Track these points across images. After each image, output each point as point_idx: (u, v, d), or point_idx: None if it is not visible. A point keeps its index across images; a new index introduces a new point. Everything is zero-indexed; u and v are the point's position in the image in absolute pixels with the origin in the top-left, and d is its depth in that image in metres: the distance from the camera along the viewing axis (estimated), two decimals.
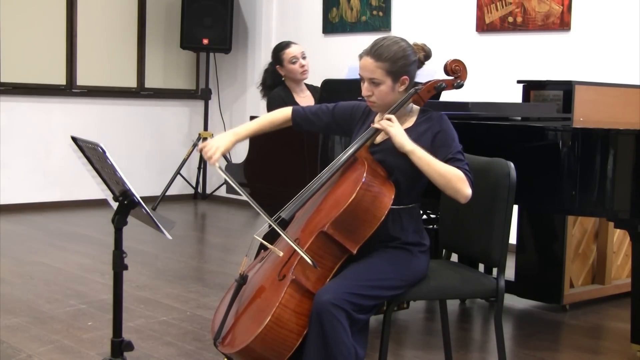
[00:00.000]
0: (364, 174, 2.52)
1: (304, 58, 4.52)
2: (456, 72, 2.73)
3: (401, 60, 2.62)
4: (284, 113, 2.88)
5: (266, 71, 4.66)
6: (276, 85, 4.57)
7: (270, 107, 4.52)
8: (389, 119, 2.60)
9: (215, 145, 2.71)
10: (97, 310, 4.11)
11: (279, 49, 4.55)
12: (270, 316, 2.43)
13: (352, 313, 2.47)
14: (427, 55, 2.72)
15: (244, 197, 2.70)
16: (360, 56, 2.67)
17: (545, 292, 4.40)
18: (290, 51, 4.50)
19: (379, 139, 2.68)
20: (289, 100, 4.50)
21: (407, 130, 2.65)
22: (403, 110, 2.69)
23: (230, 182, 2.69)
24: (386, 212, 2.53)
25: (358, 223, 2.52)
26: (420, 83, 2.71)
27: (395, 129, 2.57)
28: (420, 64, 2.71)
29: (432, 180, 2.55)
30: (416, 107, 2.73)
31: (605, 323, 4.28)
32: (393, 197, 2.55)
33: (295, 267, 2.50)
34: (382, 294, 2.59)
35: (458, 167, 2.54)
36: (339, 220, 2.49)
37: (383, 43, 2.64)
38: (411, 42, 2.71)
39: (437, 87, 2.70)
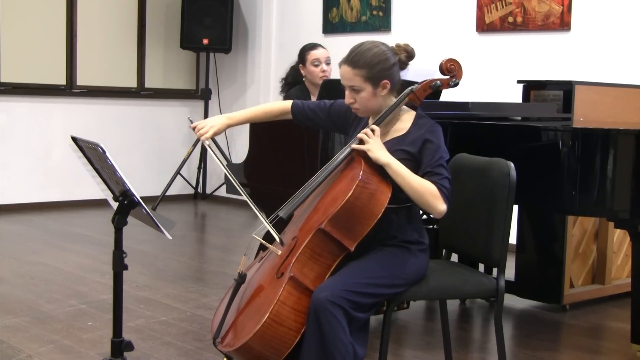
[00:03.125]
0: (361, 172, 2.54)
1: (327, 64, 4.59)
2: (451, 71, 2.75)
3: (378, 65, 2.61)
4: (283, 105, 2.91)
5: (292, 68, 4.76)
6: (296, 83, 4.63)
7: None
8: (368, 132, 2.59)
9: (210, 125, 2.80)
10: (97, 310, 4.11)
11: (305, 49, 4.63)
12: (268, 313, 2.44)
13: (350, 311, 2.48)
14: (410, 55, 2.70)
15: (244, 198, 2.71)
16: (340, 65, 2.68)
17: (545, 292, 4.40)
18: (315, 53, 4.57)
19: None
20: (305, 100, 4.54)
21: (400, 138, 2.66)
22: (398, 110, 2.70)
23: (219, 162, 2.74)
24: (383, 209, 2.54)
25: (355, 220, 2.53)
26: (417, 82, 2.72)
27: (371, 144, 2.57)
28: (403, 64, 2.70)
29: (406, 194, 2.56)
30: (411, 111, 2.73)
31: (605, 323, 4.28)
32: (390, 194, 2.56)
33: (293, 264, 2.51)
34: (380, 292, 2.59)
35: (435, 182, 2.55)
36: (336, 218, 2.51)
37: (359, 50, 2.64)
38: (395, 43, 2.71)
39: (432, 86, 2.72)
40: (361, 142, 2.63)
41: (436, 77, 2.74)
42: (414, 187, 2.54)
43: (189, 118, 2.91)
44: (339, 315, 2.45)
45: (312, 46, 4.64)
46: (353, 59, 2.62)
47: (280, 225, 2.66)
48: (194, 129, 2.80)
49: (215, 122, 2.81)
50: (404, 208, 2.67)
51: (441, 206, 2.54)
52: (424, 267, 2.72)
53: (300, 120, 2.91)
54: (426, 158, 2.59)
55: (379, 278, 2.58)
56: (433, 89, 2.72)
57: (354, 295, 2.49)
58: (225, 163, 2.66)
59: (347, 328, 2.47)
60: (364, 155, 2.63)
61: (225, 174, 2.73)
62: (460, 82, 2.80)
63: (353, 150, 2.64)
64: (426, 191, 2.53)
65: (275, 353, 2.47)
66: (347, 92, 2.67)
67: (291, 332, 2.47)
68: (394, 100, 2.70)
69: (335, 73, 4.71)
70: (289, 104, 2.91)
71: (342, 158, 2.66)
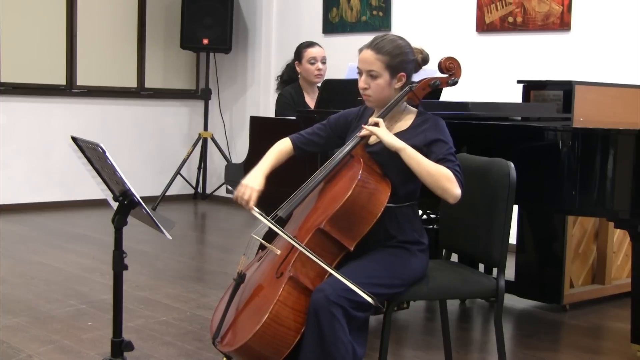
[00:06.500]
0: (360, 171, 2.54)
1: (323, 63, 4.61)
2: (450, 69, 2.76)
3: (400, 57, 2.66)
4: (286, 143, 2.88)
5: (288, 65, 4.79)
6: (291, 81, 4.64)
7: (279, 103, 4.60)
8: (375, 123, 2.63)
9: (250, 188, 2.70)
10: (97, 310, 4.11)
11: (302, 46, 4.67)
12: (268, 313, 2.44)
13: (349, 310, 2.48)
14: (425, 59, 2.77)
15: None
16: (361, 50, 2.71)
17: (545, 292, 4.40)
18: (312, 51, 4.61)
19: (372, 139, 2.69)
20: (298, 99, 4.56)
21: (404, 132, 2.68)
22: (398, 108, 2.72)
23: (268, 223, 2.60)
24: (382, 208, 2.56)
25: (355, 220, 2.54)
26: (415, 81, 2.74)
27: (382, 131, 2.60)
28: (417, 66, 2.75)
29: (421, 179, 2.58)
30: (413, 109, 2.74)
31: (605, 323, 4.28)
32: (389, 194, 2.57)
33: (292, 264, 2.51)
34: (380, 292, 2.59)
35: (448, 167, 2.56)
36: (335, 217, 2.51)
37: (384, 38, 2.70)
38: (413, 46, 2.75)
39: (431, 85, 2.72)
40: (364, 138, 2.65)
41: (435, 76, 2.75)
42: (430, 171, 2.55)
43: (227, 186, 2.85)
44: (338, 314, 2.45)
45: (309, 44, 4.67)
46: (377, 45, 2.67)
47: (279, 224, 2.66)
48: (236, 199, 2.70)
49: (254, 182, 2.71)
50: (403, 207, 2.68)
51: (456, 190, 2.55)
52: (423, 267, 2.73)
53: (302, 150, 2.88)
54: (436, 149, 2.60)
55: (378, 278, 2.58)
56: (432, 88, 2.73)
57: (354, 295, 2.48)
58: (273, 222, 2.62)
59: (346, 327, 2.48)
60: (362, 153, 2.64)
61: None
62: (461, 82, 2.80)
63: (359, 141, 2.65)
64: (442, 175, 2.54)
65: (275, 353, 2.47)
66: (362, 77, 2.69)
67: (291, 332, 2.47)
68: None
69: (330, 73, 4.74)
70: (289, 140, 2.89)
71: (341, 157, 2.66)
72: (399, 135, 2.66)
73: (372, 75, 2.66)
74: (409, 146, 2.57)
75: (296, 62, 4.64)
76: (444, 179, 2.54)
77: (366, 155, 2.66)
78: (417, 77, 2.78)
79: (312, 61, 4.57)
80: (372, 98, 2.71)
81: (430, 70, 2.89)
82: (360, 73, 2.71)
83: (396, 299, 2.68)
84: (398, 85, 2.69)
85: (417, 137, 2.64)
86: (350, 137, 2.76)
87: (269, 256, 2.71)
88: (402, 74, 2.67)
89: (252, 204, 2.65)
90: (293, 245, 2.54)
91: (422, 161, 2.56)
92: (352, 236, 2.55)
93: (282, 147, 2.88)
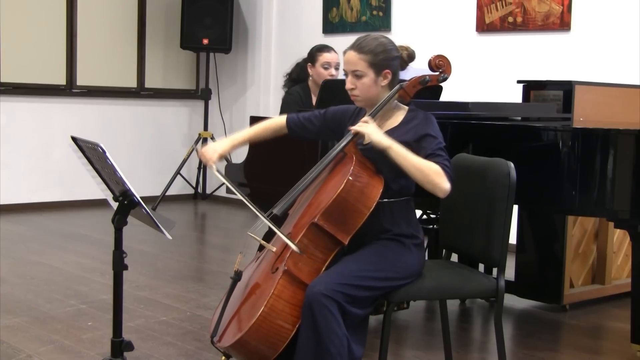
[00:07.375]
0: (352, 167, 2.58)
1: (336, 69, 4.57)
2: (440, 67, 2.79)
3: (382, 54, 2.69)
4: (279, 120, 2.95)
5: (297, 64, 4.72)
6: (300, 81, 4.61)
7: (286, 102, 4.57)
8: (365, 122, 2.65)
9: (213, 149, 2.82)
10: (97, 310, 4.11)
11: (318, 49, 4.61)
12: (263, 307, 2.46)
13: (344, 305, 2.50)
14: (411, 55, 2.80)
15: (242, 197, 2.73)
16: (344, 52, 2.76)
17: (545, 292, 4.40)
18: (327, 56, 4.57)
19: (366, 138, 2.70)
20: (306, 99, 4.54)
21: (395, 129, 2.71)
22: (389, 106, 2.74)
23: (226, 182, 2.76)
24: (374, 203, 2.58)
25: (347, 214, 2.57)
26: (406, 79, 2.76)
27: (370, 129, 2.62)
28: (404, 63, 2.79)
29: (410, 175, 2.59)
30: (404, 106, 2.77)
31: (605, 323, 4.28)
32: (382, 189, 2.60)
33: (287, 259, 2.53)
34: (374, 285, 2.60)
35: (437, 162, 2.57)
36: (328, 212, 2.54)
37: (365, 38, 2.74)
38: (398, 44, 2.79)
39: (422, 82, 2.76)
40: (356, 135, 2.68)
41: (425, 74, 2.77)
42: (418, 167, 2.56)
43: (195, 148, 2.98)
44: (333, 308, 2.47)
45: (326, 48, 4.62)
46: (359, 45, 2.71)
47: (274, 222, 2.68)
48: (199, 157, 2.86)
49: (219, 145, 2.85)
50: (397, 202, 2.71)
51: (445, 184, 2.56)
52: (418, 262, 2.73)
53: (295, 132, 2.93)
54: (427, 145, 2.62)
55: (372, 271, 2.60)
56: (423, 85, 2.77)
57: (348, 288, 2.51)
58: (235, 186, 2.73)
59: (341, 322, 2.49)
60: (355, 151, 2.67)
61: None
62: (461, 82, 2.81)
63: (352, 139, 2.68)
64: (430, 170, 2.55)
65: (270, 347, 2.48)
66: (348, 78, 2.73)
67: (287, 326, 2.48)
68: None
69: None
70: (284, 118, 2.94)
71: (334, 155, 2.70)
72: (390, 132, 2.69)
73: (357, 75, 2.70)
74: (398, 143, 2.59)
75: (309, 63, 4.59)
76: (432, 174, 2.55)
77: (359, 152, 2.70)
78: (404, 75, 2.80)
79: (326, 66, 4.54)
80: (360, 98, 2.74)
81: (417, 69, 2.91)
82: (346, 74, 2.75)
83: (394, 296, 2.68)
84: (384, 82, 2.71)
85: (408, 133, 2.67)
86: (345, 134, 2.78)
87: (267, 256, 2.73)
88: (387, 71, 2.70)
89: (211, 162, 2.79)
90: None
91: (410, 157, 2.57)
92: (346, 230, 2.58)
93: (272, 123, 2.95)
